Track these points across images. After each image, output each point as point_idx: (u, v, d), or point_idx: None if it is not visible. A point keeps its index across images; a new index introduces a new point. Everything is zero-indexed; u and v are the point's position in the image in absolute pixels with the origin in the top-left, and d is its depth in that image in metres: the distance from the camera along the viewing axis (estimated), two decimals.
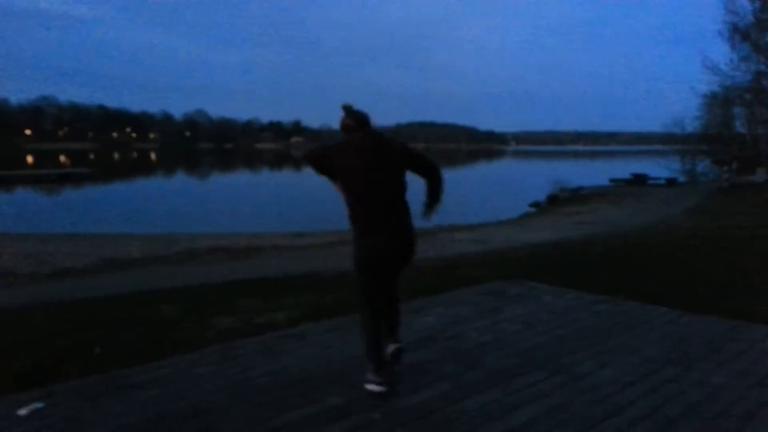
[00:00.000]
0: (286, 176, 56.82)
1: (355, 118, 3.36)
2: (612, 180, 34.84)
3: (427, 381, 3.50)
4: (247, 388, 3.40)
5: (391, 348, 3.58)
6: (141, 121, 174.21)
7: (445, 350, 4.04)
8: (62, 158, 76.15)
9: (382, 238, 3.29)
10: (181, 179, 50.51)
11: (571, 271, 7.88)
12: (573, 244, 11.49)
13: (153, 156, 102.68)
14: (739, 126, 35.83)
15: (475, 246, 12.21)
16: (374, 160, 3.27)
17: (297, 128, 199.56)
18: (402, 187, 3.37)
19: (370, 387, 3.31)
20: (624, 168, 46.05)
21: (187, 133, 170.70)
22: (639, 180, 33.73)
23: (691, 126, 35.53)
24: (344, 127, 3.40)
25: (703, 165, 35.31)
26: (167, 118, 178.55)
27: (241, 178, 51.63)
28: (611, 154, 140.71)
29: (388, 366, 3.44)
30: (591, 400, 3.23)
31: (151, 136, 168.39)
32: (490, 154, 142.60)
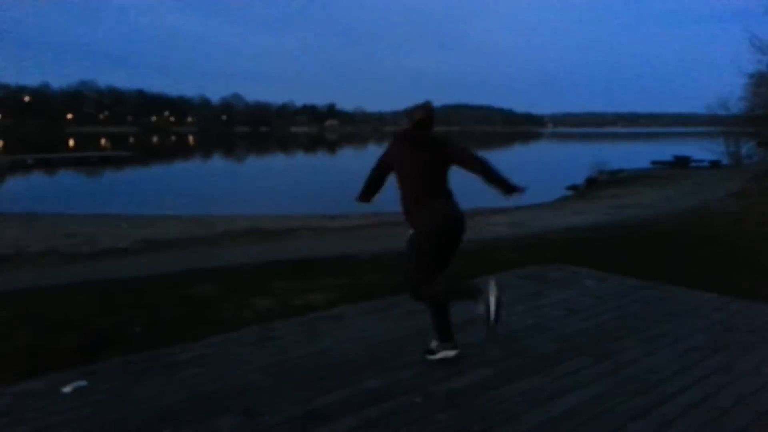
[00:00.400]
0: (319, 159, 57.06)
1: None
2: (653, 162, 33.95)
3: (469, 365, 3.45)
4: (286, 369, 3.40)
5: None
6: (179, 105, 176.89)
7: (486, 335, 3.97)
8: (103, 141, 77.97)
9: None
10: (217, 162, 51.18)
11: (611, 255, 7.70)
12: (611, 227, 11.25)
13: (191, 139, 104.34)
14: None
15: (511, 229, 12.05)
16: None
17: (331, 111, 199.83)
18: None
19: (439, 355, 3.54)
20: (666, 150, 44.80)
21: (224, 117, 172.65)
22: (681, 162, 32.79)
23: (736, 107, 34.30)
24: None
25: (748, 147, 34.10)
26: (204, 102, 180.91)
27: (275, 161, 52.02)
28: (652, 135, 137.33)
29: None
30: (637, 390, 3.13)
31: (189, 119, 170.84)
32: (527, 137, 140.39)
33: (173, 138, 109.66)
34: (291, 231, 13.58)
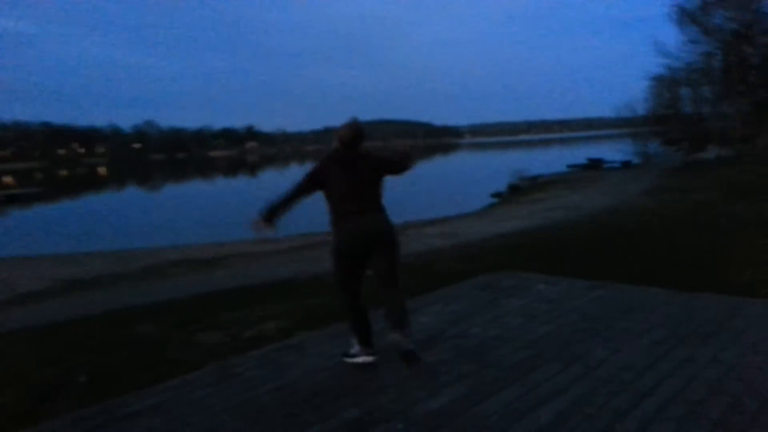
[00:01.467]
0: (240, 183, 55.84)
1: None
2: (569, 166, 35.47)
3: (443, 383, 3.37)
4: (255, 407, 3.20)
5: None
6: (88, 136, 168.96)
7: (453, 349, 3.92)
8: (7, 179, 73.14)
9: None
10: (132, 193, 49.14)
11: (551, 258, 7.89)
12: (545, 231, 11.56)
13: (102, 171, 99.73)
14: (686, 106, 36.98)
15: (446, 240, 12.15)
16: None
17: (251, 133, 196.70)
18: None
19: (360, 360, 3.75)
20: (579, 153, 46.91)
21: (137, 145, 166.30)
22: (595, 164, 34.45)
23: (641, 108, 36.47)
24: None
25: (654, 146, 36.26)
26: (116, 131, 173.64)
27: (194, 188, 50.46)
28: (564, 140, 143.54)
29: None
30: (613, 390, 3.15)
31: (101, 150, 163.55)
32: (447, 148, 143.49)
33: (84, 170, 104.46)
34: (221, 259, 13.13)
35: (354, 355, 3.80)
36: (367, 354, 3.78)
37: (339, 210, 3.67)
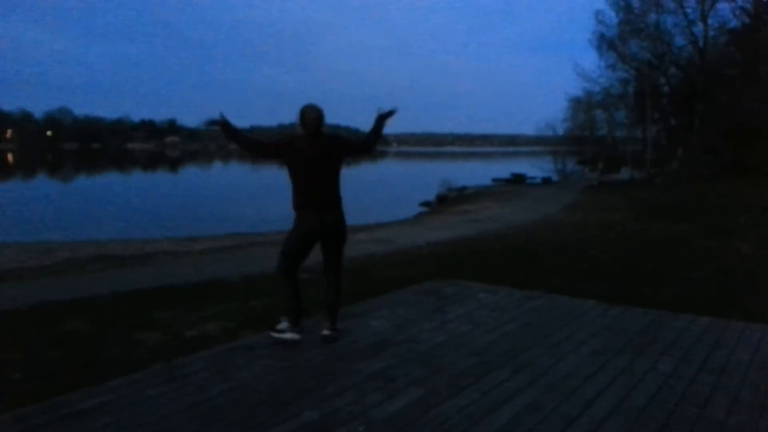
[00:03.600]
0: (162, 177, 53.86)
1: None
2: (494, 179, 36.52)
3: (398, 387, 3.41)
4: (208, 408, 3.12)
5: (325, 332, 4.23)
6: None
7: (404, 354, 3.97)
8: None
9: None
10: (44, 183, 46.29)
11: (483, 267, 8.13)
12: (475, 241, 11.88)
13: (9, 158, 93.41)
14: (601, 128, 39.12)
15: (379, 246, 12.23)
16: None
17: (172, 127, 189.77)
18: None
19: (287, 336, 4.08)
20: (500, 168, 48.35)
21: (49, 133, 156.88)
22: (518, 179, 35.67)
23: (560, 128, 38.22)
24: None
25: (571, 164, 38.05)
26: (26, 116, 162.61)
27: (111, 181, 48.15)
28: (486, 154, 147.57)
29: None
30: (561, 396, 3.30)
31: (8, 135, 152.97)
32: (374, 155, 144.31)
33: None
34: (147, 256, 12.64)
35: (281, 331, 4.12)
36: (294, 332, 4.11)
37: (301, 199, 4.05)
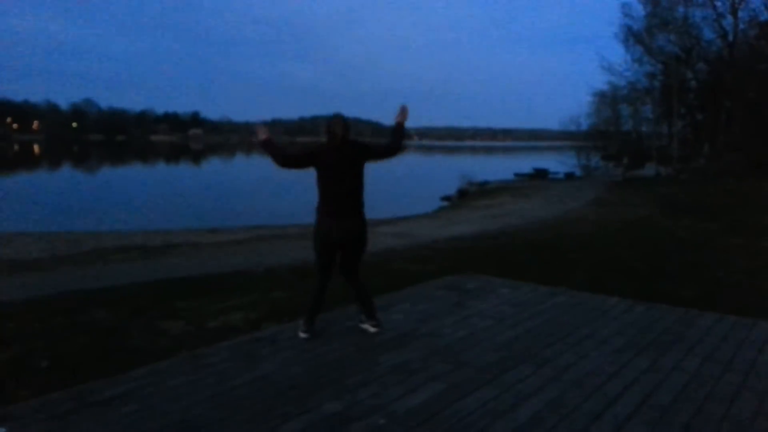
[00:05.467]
0: (186, 170, 54.37)
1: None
2: (516, 174, 36.23)
3: (419, 381, 3.41)
4: (232, 399, 3.15)
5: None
6: (23, 111, 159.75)
7: (426, 348, 3.96)
8: None
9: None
10: (71, 173, 47.03)
11: (505, 262, 8.08)
12: (497, 236, 11.80)
13: (36, 148, 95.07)
14: (626, 123, 38.53)
15: (400, 240, 12.22)
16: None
17: (195, 120, 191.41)
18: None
19: (302, 335, 4.17)
20: (522, 163, 47.97)
21: (75, 124, 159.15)
22: (540, 174, 35.32)
23: (585, 123, 37.71)
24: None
25: (596, 160, 37.56)
26: (52, 108, 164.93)
27: (136, 172, 48.70)
28: (509, 149, 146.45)
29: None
30: (584, 393, 3.27)
31: (35, 127, 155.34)
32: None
33: (16, 147, 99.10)
34: (170, 247, 12.78)
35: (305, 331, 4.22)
36: (305, 332, 4.19)
37: (326, 206, 4.19)
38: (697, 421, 2.96)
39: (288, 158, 4.30)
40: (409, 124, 4.60)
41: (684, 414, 3.03)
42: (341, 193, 4.18)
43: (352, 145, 4.24)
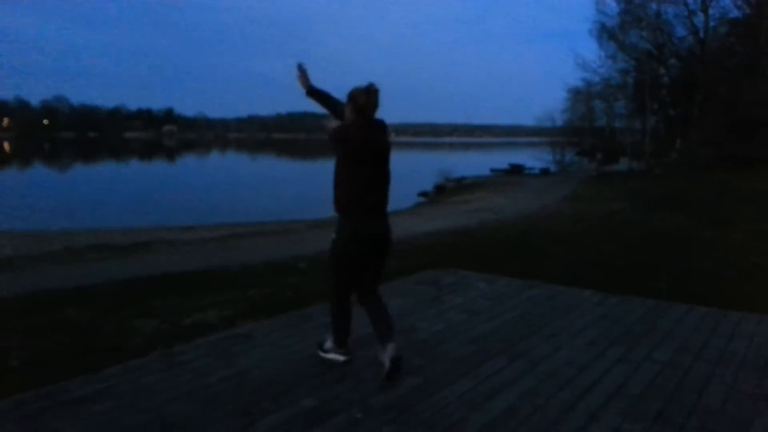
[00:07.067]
0: (159, 167, 53.70)
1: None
2: (492, 170, 36.48)
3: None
4: (209, 395, 3.13)
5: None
6: None
7: (402, 342, 3.96)
8: None
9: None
10: (40, 171, 46.14)
11: (482, 257, 8.14)
12: (474, 231, 11.88)
13: (6, 146, 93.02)
14: (600, 119, 39.09)
15: None
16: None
17: (169, 116, 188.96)
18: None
19: (331, 356, 3.62)
20: (498, 159, 48.26)
21: (45, 121, 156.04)
22: (516, 170, 35.65)
23: (560, 119, 38.16)
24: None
25: (570, 155, 38.02)
26: (22, 105, 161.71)
27: (109, 170, 48.02)
28: (485, 145, 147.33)
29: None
30: (558, 384, 3.32)
31: (5, 123, 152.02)
32: None
33: None
34: (144, 245, 12.62)
35: (327, 350, 3.65)
36: (339, 354, 3.61)
37: (356, 202, 3.35)
38: (669, 409, 3.03)
39: (331, 99, 3.69)
40: (386, 119, 4.00)
41: (656, 403, 3.09)
42: (373, 186, 3.38)
43: (381, 126, 3.46)
